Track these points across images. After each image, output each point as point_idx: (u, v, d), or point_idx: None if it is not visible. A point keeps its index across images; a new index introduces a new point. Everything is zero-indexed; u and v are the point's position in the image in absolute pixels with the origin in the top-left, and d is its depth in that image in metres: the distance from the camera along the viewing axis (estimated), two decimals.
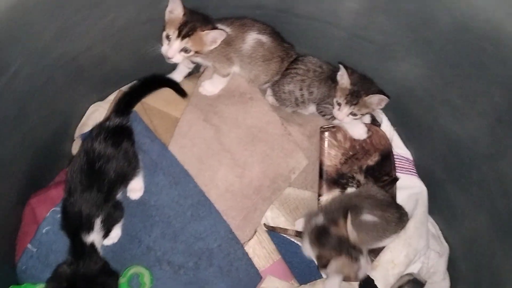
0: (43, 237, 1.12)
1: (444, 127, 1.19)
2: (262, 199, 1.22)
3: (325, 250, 1.12)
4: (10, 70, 0.87)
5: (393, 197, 1.30)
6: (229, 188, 1.20)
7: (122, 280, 1.09)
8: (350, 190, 1.28)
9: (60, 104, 1.12)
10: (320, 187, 1.27)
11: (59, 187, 1.14)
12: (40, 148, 1.11)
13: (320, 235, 1.13)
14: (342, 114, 1.18)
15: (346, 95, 1.17)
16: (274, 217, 1.29)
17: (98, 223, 1.00)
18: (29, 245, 1.11)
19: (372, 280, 1.19)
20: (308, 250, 1.17)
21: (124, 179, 1.07)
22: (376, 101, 1.17)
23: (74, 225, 0.99)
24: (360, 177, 1.29)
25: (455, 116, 1.13)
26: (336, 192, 1.26)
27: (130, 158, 1.07)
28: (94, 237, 1.00)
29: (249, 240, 1.20)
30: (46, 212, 1.12)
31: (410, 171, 1.34)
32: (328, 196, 1.26)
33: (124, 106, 1.13)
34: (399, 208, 1.24)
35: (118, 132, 1.08)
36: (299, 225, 1.25)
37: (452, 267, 1.26)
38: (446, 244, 1.28)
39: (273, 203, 1.28)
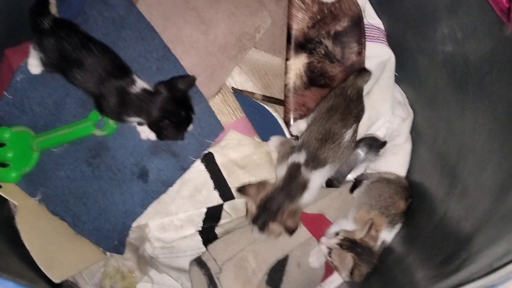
0: (18, 84, 1.17)
1: None
2: (228, 58, 1.25)
3: None
4: None
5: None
6: (194, 44, 1.23)
7: (89, 123, 1.16)
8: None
9: None
10: (287, 51, 1.28)
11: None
12: (21, 4, 1.13)
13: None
14: None
15: None
16: (243, 81, 1.32)
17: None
18: (5, 93, 1.18)
19: None
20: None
21: None
22: None
23: None
24: (328, 43, 1.30)
25: None
26: (303, 57, 1.28)
27: None
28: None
29: (213, 96, 1.25)
30: (21, 62, 1.17)
31: (380, 40, 1.34)
32: (295, 60, 1.27)
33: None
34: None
35: None
36: (272, 143, 1.25)
37: (414, 130, 1.27)
38: (411, 110, 1.29)
39: (242, 68, 1.31)
